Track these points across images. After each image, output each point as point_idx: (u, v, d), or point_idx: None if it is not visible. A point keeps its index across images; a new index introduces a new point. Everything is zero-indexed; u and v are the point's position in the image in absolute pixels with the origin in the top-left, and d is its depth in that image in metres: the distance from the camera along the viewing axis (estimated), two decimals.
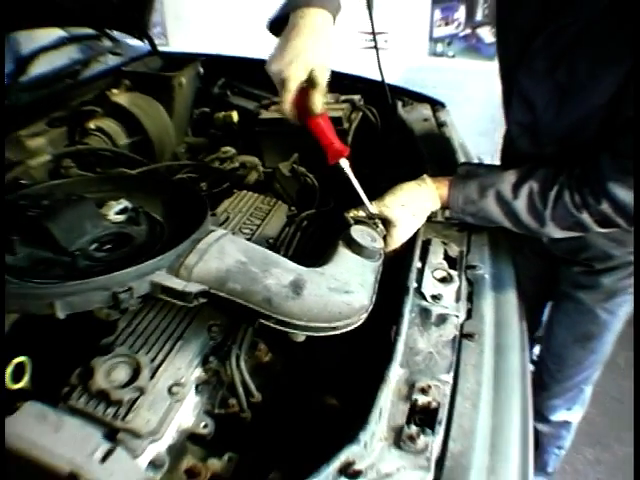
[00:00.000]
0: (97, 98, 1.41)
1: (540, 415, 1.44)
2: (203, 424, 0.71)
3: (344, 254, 0.88)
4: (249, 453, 0.71)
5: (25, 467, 0.55)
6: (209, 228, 0.82)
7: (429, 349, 0.80)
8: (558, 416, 1.47)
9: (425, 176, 1.05)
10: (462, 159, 1.44)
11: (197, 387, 0.73)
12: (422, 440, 0.64)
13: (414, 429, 0.66)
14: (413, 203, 1.01)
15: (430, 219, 1.10)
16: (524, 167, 0.98)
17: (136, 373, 0.65)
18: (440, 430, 0.67)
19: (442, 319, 0.87)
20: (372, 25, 1.39)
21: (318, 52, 0.89)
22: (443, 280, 0.97)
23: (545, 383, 1.38)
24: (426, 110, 1.56)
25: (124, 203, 0.93)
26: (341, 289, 0.78)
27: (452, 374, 0.76)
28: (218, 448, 0.70)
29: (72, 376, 0.65)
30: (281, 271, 0.76)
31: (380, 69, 1.52)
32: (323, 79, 0.91)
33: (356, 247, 0.89)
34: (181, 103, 1.58)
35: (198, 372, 0.74)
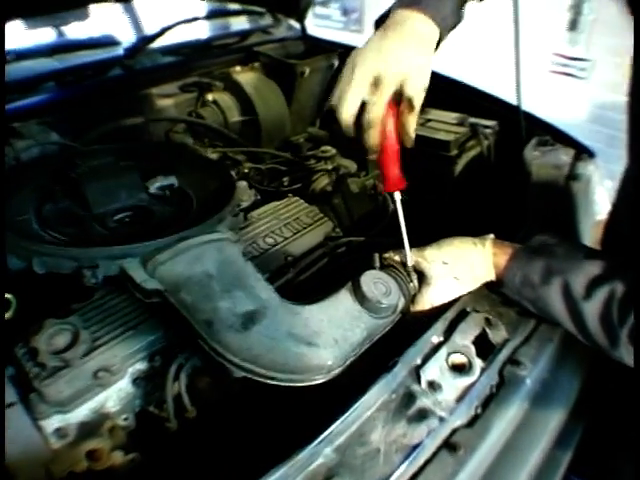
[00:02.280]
0: (223, 73, 1.49)
1: None
2: (124, 416, 0.71)
3: (342, 299, 0.78)
4: (156, 460, 0.70)
5: None
6: (208, 229, 0.80)
7: (379, 446, 0.66)
8: None
9: (490, 236, 0.86)
10: (581, 227, 1.15)
11: (135, 380, 0.73)
12: None
13: None
14: (459, 264, 0.84)
15: (492, 287, 0.91)
16: (616, 260, 0.73)
17: (71, 345, 0.67)
18: None
19: (421, 415, 0.71)
20: (517, 37, 1.16)
21: (418, 64, 0.76)
22: (458, 368, 0.79)
23: None
24: (565, 156, 1.27)
25: (172, 180, 0.97)
26: (304, 338, 0.69)
27: None
28: (130, 443, 0.70)
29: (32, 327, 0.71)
30: (244, 296, 0.70)
31: (519, 95, 1.28)
32: (419, 99, 0.78)
33: (360, 295, 0.78)
34: (304, 92, 1.57)
35: (142, 366, 0.73)
